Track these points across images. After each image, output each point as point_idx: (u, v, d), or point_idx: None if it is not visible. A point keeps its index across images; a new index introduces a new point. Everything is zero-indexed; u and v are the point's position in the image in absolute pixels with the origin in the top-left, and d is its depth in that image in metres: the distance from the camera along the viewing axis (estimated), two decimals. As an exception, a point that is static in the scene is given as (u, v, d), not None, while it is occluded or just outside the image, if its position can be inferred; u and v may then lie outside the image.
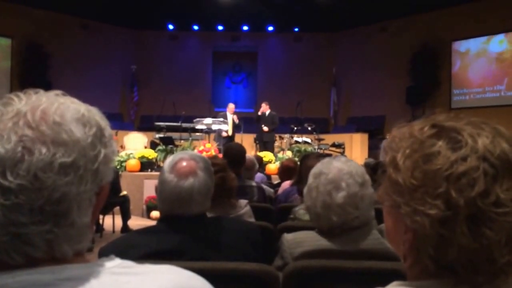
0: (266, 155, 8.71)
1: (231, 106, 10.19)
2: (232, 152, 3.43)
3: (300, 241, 1.59)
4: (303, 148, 9.61)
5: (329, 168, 1.60)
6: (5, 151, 0.56)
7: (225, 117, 9.79)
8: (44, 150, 0.57)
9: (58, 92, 0.66)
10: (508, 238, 0.59)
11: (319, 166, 1.65)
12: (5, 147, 0.57)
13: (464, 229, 0.58)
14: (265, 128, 9.95)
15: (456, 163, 0.60)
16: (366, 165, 4.62)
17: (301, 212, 2.27)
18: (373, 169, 3.07)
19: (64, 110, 0.62)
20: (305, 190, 1.67)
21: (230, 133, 9.82)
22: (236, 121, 9.96)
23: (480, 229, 0.58)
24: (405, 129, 0.69)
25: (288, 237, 1.63)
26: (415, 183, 0.62)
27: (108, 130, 0.67)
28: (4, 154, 0.56)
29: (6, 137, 0.57)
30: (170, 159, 1.54)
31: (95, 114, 0.66)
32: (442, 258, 0.61)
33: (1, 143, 0.57)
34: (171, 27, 14.94)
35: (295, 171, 4.03)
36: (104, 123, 0.66)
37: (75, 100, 0.66)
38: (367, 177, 1.62)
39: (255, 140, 10.59)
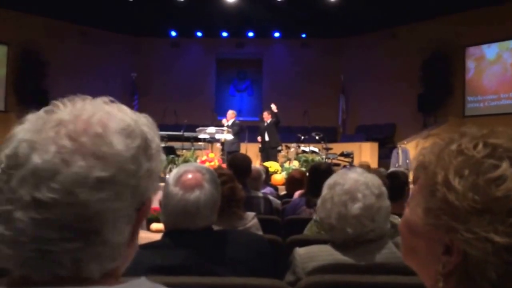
0: (272, 165, 8.60)
1: (228, 112, 10.06)
2: (237, 162, 3.35)
3: (313, 255, 1.56)
4: (310, 158, 9.47)
5: (344, 179, 1.59)
6: (42, 162, 0.54)
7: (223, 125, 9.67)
8: (82, 163, 0.55)
9: (106, 99, 0.63)
10: None
11: (334, 177, 1.64)
12: (43, 158, 0.54)
13: None
14: (267, 137, 9.85)
15: None
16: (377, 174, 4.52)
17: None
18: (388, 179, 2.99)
19: (108, 120, 0.59)
20: (319, 201, 1.65)
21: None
22: (229, 123, 9.75)
23: None
24: (452, 145, 0.64)
25: (300, 251, 1.60)
26: (477, 207, 0.58)
27: (155, 142, 0.64)
28: (41, 165, 0.54)
29: (45, 147, 0.55)
30: (175, 171, 1.51)
31: (143, 124, 0.63)
32: (506, 285, 0.58)
33: (39, 154, 0.54)
34: (173, 33, 14.76)
35: (303, 182, 3.95)
36: (152, 134, 0.63)
37: (123, 108, 0.64)
38: (384, 188, 1.60)
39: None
